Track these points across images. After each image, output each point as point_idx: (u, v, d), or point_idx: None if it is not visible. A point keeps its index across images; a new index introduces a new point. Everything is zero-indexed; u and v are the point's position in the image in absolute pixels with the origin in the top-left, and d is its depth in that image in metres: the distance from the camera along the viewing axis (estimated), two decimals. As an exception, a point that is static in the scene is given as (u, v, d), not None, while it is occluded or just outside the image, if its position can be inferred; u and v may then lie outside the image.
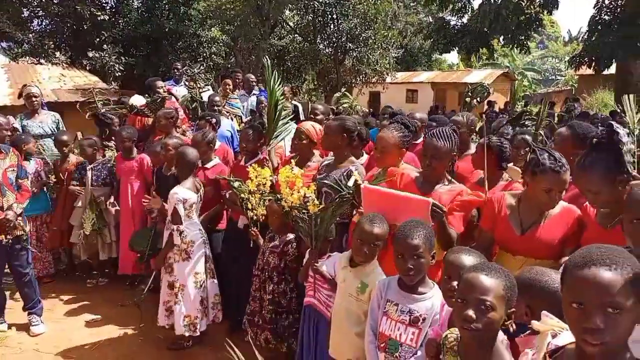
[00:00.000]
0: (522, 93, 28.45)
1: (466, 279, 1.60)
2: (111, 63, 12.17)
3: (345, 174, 3.13)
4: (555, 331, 1.40)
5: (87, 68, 12.64)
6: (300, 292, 3.46)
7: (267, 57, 4.14)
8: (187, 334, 3.87)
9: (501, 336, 1.66)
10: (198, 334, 3.91)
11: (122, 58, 12.74)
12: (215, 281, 4.04)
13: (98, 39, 12.84)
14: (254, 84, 7.43)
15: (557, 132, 3.24)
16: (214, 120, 5.06)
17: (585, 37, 14.42)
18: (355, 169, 3.22)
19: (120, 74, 12.68)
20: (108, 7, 14.30)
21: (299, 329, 3.11)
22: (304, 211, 2.80)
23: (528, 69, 34.09)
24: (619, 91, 14.02)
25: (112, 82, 12.19)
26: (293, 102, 4.34)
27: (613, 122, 2.19)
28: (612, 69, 14.02)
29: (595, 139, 2.22)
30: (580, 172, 2.23)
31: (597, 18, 13.75)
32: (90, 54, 12.20)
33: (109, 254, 5.25)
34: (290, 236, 3.48)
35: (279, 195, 3.05)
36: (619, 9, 13.41)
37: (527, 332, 1.80)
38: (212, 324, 4.06)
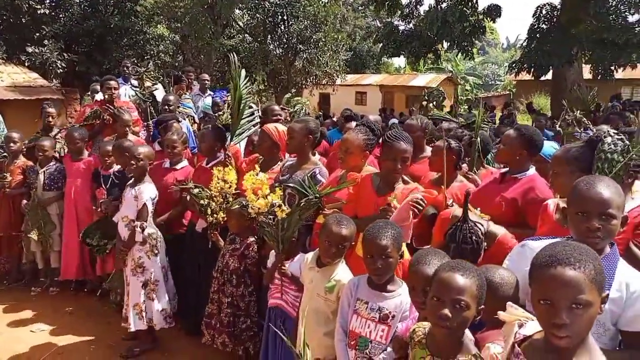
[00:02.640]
0: (466, 97, 29.55)
1: (442, 278, 1.65)
2: (52, 59, 11.57)
3: (309, 175, 3.15)
4: (522, 321, 1.49)
5: (26, 64, 11.96)
6: (260, 295, 3.47)
7: (233, 53, 4.07)
8: (167, 326, 3.89)
9: (467, 331, 1.74)
10: (173, 324, 3.94)
11: (64, 54, 12.15)
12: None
13: (38, 34, 12.18)
14: (208, 83, 7.31)
15: (505, 133, 3.37)
16: (181, 122, 5.00)
17: (525, 44, 15.19)
18: (318, 171, 3.25)
19: (61, 70, 12.06)
20: (48, 1, 13.60)
21: (263, 330, 3.11)
22: (270, 216, 2.80)
23: (470, 73, 35.45)
24: (554, 96, 14.89)
25: (54, 80, 11.59)
26: (252, 105, 4.33)
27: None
28: (549, 75, 14.84)
29: (594, 137, 2.44)
30: (563, 153, 2.47)
31: (535, 27, 14.52)
32: (30, 50, 11.53)
33: (55, 262, 5.04)
34: (251, 239, 3.47)
35: (244, 202, 3.03)
36: (555, 19, 14.21)
37: (484, 328, 1.91)
38: (165, 329, 3.99)
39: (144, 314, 3.78)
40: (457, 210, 2.46)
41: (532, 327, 1.46)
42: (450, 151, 3.29)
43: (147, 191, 3.80)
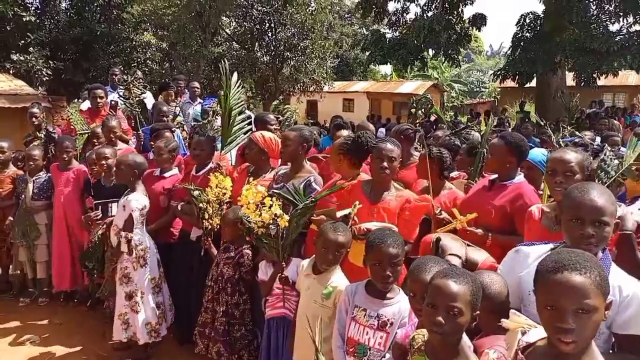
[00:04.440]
0: (452, 104, 29.84)
1: (436, 285, 1.67)
2: (38, 67, 11.46)
3: (304, 183, 3.17)
4: (525, 328, 1.52)
5: (11, 72, 11.84)
6: (253, 304, 3.47)
7: (224, 60, 4.07)
8: (150, 341, 3.81)
9: (465, 338, 1.76)
10: (160, 339, 3.87)
11: (50, 62, 12.04)
12: (166, 284, 4.02)
13: (23, 41, 12.06)
14: (198, 91, 7.31)
15: (491, 142, 3.41)
16: (174, 131, 4.99)
17: (509, 52, 15.42)
18: (313, 180, 3.27)
19: (47, 78, 11.95)
20: (33, 8, 13.48)
21: (261, 341, 3.11)
22: (272, 227, 2.81)
23: (455, 81, 35.76)
24: (538, 102, 15.12)
25: (39, 87, 11.47)
26: (247, 111, 4.32)
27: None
28: (533, 82, 15.06)
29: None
30: (584, 159, 2.44)
31: (519, 35, 14.75)
32: (15, 57, 11.42)
33: (42, 273, 4.97)
34: (246, 247, 3.47)
35: (244, 217, 3.02)
36: (538, 27, 14.45)
37: (481, 333, 1.94)
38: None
39: (126, 325, 3.74)
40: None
41: (535, 334, 1.48)
42: (431, 159, 3.30)
43: (136, 201, 3.74)
